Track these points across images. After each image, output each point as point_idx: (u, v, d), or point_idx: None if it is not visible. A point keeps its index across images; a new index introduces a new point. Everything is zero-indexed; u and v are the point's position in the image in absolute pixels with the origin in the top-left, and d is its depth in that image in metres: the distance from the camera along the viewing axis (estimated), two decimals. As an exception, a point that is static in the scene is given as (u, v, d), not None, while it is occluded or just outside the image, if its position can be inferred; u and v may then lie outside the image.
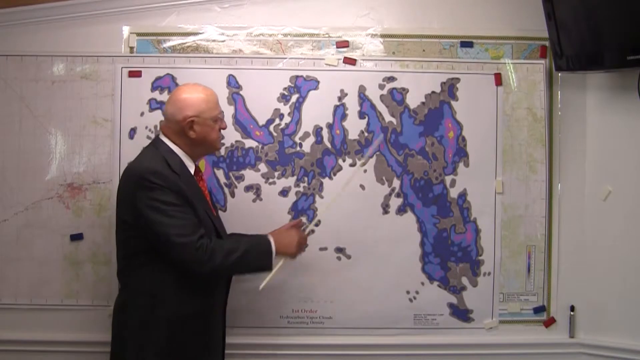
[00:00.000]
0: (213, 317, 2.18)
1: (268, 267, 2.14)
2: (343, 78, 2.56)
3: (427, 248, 2.57)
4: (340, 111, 2.56)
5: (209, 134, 2.14)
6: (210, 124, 2.13)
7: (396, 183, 2.56)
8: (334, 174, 2.56)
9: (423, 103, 2.57)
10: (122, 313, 2.09)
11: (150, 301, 2.04)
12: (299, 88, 2.55)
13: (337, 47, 2.57)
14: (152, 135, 2.47)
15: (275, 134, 2.55)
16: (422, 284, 2.58)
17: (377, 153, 2.56)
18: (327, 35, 2.58)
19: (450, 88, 2.57)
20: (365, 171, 2.56)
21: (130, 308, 2.07)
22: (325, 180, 2.55)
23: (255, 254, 2.11)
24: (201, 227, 2.04)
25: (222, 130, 2.21)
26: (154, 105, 2.52)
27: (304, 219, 2.46)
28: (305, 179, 2.55)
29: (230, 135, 2.54)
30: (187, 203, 2.04)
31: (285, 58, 2.56)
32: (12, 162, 2.52)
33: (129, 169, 2.11)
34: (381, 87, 2.56)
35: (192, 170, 2.15)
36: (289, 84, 2.55)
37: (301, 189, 2.55)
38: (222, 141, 2.52)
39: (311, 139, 2.55)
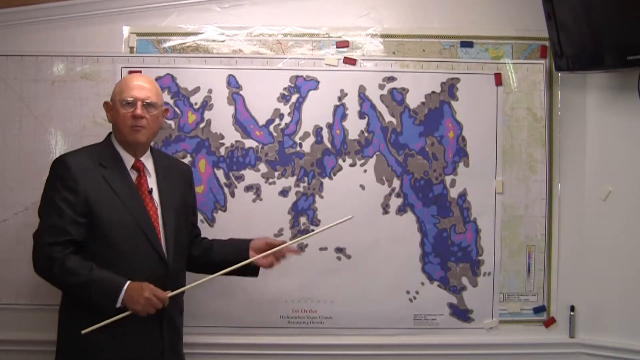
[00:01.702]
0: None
1: (105, 310, 1.95)
2: (343, 78, 2.56)
3: (427, 248, 2.57)
4: (340, 111, 2.56)
5: (117, 119, 2.09)
6: (117, 107, 2.08)
7: (396, 183, 2.56)
8: (334, 174, 2.56)
9: (423, 103, 2.57)
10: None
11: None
12: (299, 88, 2.55)
13: (337, 47, 2.57)
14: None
15: (275, 134, 2.55)
16: (422, 284, 2.58)
17: (377, 153, 2.56)
18: (327, 35, 2.58)
19: (450, 88, 2.57)
20: (365, 171, 2.56)
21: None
22: (325, 180, 2.55)
23: (97, 290, 1.94)
24: (66, 235, 1.96)
25: (135, 119, 2.06)
26: (154, 105, 2.52)
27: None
28: (305, 179, 2.55)
29: (230, 135, 2.54)
30: (80, 201, 1.99)
31: (285, 58, 2.56)
32: (12, 162, 2.52)
33: None
34: (381, 87, 2.56)
35: (128, 165, 2.10)
36: (289, 84, 2.55)
37: (301, 189, 2.55)
38: (222, 141, 2.53)
39: (311, 139, 2.55)
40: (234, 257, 2.17)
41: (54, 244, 1.96)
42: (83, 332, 1.95)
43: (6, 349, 2.50)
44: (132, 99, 2.07)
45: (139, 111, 2.06)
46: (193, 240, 2.30)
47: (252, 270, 2.24)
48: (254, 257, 2.17)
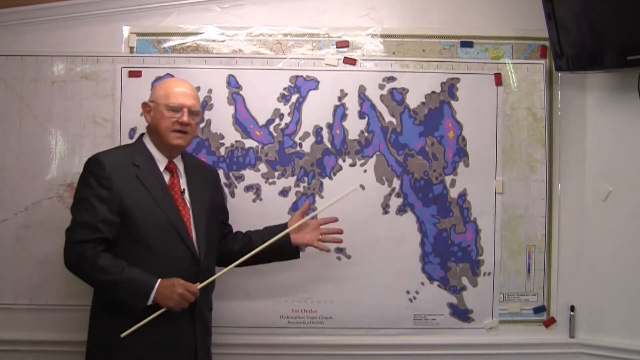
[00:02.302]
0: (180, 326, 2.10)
1: (135, 309, 1.98)
2: (343, 78, 2.56)
3: (427, 248, 2.57)
4: (340, 111, 2.56)
5: (160, 122, 2.11)
6: (163, 110, 2.11)
7: (396, 183, 2.56)
8: (334, 174, 2.56)
9: (423, 103, 2.57)
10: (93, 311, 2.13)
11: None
12: (299, 88, 2.55)
13: (337, 47, 2.57)
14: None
15: (275, 134, 2.55)
16: (422, 284, 2.58)
17: (377, 153, 2.56)
18: (327, 35, 2.58)
19: (450, 88, 2.57)
20: (365, 171, 2.56)
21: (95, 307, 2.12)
22: (325, 180, 2.55)
23: (128, 289, 1.97)
24: (98, 232, 1.98)
25: (187, 126, 2.12)
26: (154, 105, 2.52)
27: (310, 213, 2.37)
28: (305, 179, 2.55)
29: (230, 135, 2.54)
30: (111, 197, 2.01)
31: (285, 58, 2.56)
32: (12, 162, 2.52)
33: None
34: (381, 87, 2.56)
35: (161, 166, 2.13)
36: (289, 84, 2.55)
37: (301, 189, 2.55)
38: (222, 141, 2.53)
39: (311, 139, 2.55)
40: (275, 242, 2.21)
41: (86, 242, 1.98)
42: (122, 335, 1.96)
43: (6, 349, 2.50)
44: (179, 105, 2.12)
45: (186, 118, 2.12)
46: (227, 235, 2.34)
47: (292, 252, 2.31)
48: (288, 229, 2.25)
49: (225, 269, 2.16)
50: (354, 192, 2.30)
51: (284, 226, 2.29)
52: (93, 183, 2.02)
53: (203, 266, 2.12)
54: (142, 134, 2.21)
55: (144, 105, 2.17)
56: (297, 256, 2.33)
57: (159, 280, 2.00)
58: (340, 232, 2.35)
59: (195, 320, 2.11)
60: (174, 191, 2.15)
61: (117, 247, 2.03)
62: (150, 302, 1.98)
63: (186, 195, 2.17)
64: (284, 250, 2.28)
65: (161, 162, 2.14)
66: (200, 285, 2.06)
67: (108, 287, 2.00)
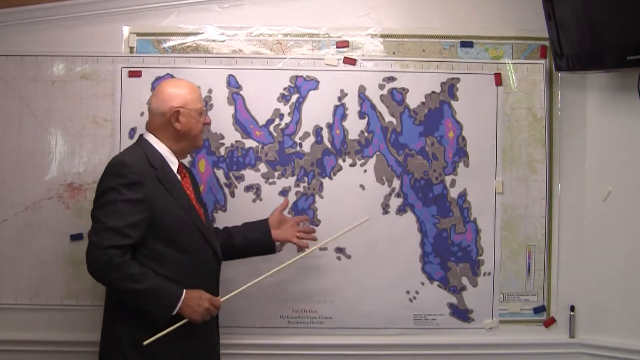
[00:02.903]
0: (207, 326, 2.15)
1: (160, 319, 1.98)
2: (343, 78, 2.56)
3: (427, 248, 2.57)
4: (340, 111, 2.56)
5: (194, 127, 2.14)
6: (195, 116, 2.14)
7: (396, 183, 2.56)
8: (334, 174, 2.56)
9: (423, 103, 2.57)
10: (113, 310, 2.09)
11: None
12: (299, 88, 2.55)
13: (337, 47, 2.57)
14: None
15: (275, 134, 2.55)
16: (422, 284, 2.58)
17: (377, 153, 2.56)
18: (327, 35, 2.58)
19: (450, 88, 2.57)
20: (365, 171, 2.56)
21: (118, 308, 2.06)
22: (325, 180, 2.55)
23: (155, 299, 1.98)
24: (127, 238, 1.95)
25: (207, 126, 2.22)
26: (154, 105, 2.52)
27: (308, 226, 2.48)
28: (305, 179, 2.55)
29: (230, 135, 2.54)
30: (143, 199, 1.99)
31: (285, 58, 2.56)
32: (12, 162, 2.52)
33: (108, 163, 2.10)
34: (381, 87, 2.56)
35: (174, 167, 2.14)
36: (289, 84, 2.55)
37: (301, 189, 2.55)
38: (222, 141, 2.53)
39: (311, 139, 2.55)
40: (255, 239, 2.33)
41: (114, 247, 1.94)
42: (145, 343, 1.96)
43: (6, 349, 2.50)
44: (204, 108, 2.20)
45: (209, 119, 2.25)
46: None
47: (270, 248, 2.38)
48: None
49: (251, 283, 2.21)
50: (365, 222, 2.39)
51: (264, 222, 2.36)
52: (120, 186, 1.98)
53: (220, 263, 2.20)
54: (141, 135, 2.19)
55: (176, 112, 2.10)
56: (274, 251, 2.39)
57: (185, 291, 2.01)
58: (313, 230, 2.45)
59: (215, 335, 2.21)
60: (190, 191, 2.18)
61: (148, 249, 2.02)
62: (174, 313, 1.99)
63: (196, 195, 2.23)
64: (264, 245, 2.35)
65: (173, 163, 2.15)
66: (223, 299, 2.12)
67: (134, 296, 1.97)
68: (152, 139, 2.14)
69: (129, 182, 1.99)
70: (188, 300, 2.01)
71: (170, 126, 2.12)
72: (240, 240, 2.33)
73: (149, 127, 2.17)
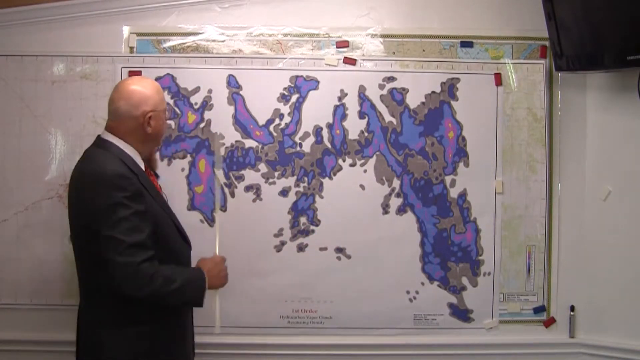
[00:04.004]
0: (187, 321, 2.18)
1: (199, 303, 2.02)
2: (343, 78, 2.56)
3: (427, 248, 2.57)
4: (340, 111, 2.56)
5: (162, 128, 2.10)
6: (163, 117, 2.10)
7: (396, 183, 2.56)
8: (334, 174, 2.56)
9: (423, 103, 2.57)
10: (94, 320, 2.04)
11: (124, 310, 1.97)
12: (299, 88, 2.55)
13: (337, 47, 2.57)
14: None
15: (275, 134, 2.55)
16: (422, 284, 2.58)
17: (377, 153, 2.56)
18: (327, 35, 2.58)
19: (450, 88, 2.57)
20: (365, 171, 2.56)
21: (102, 317, 2.01)
22: (325, 180, 2.55)
23: (191, 288, 2.00)
24: (149, 250, 1.91)
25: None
26: (154, 105, 2.51)
27: None
28: (305, 179, 2.55)
29: (230, 135, 2.54)
30: (148, 207, 1.96)
31: (285, 58, 2.56)
32: (12, 162, 2.52)
33: (89, 173, 1.96)
34: (381, 87, 2.56)
35: (142, 168, 2.08)
36: (289, 84, 2.55)
37: (301, 189, 2.55)
38: (222, 141, 2.53)
39: (311, 139, 2.55)
40: None
41: (146, 260, 1.90)
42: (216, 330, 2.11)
43: (6, 349, 2.50)
44: (166, 106, 2.16)
45: (168, 115, 2.23)
46: None
47: None
48: None
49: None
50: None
51: None
52: (125, 200, 1.91)
53: None
54: (101, 138, 2.05)
55: (147, 118, 2.02)
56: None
57: (199, 264, 2.09)
58: None
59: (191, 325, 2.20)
60: (159, 189, 2.15)
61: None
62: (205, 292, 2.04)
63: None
64: None
65: (141, 164, 2.08)
66: (218, 253, 2.18)
67: (175, 295, 1.95)
68: (118, 142, 2.02)
69: (131, 194, 1.92)
70: (209, 272, 2.06)
71: (141, 130, 2.03)
72: None
73: (115, 130, 2.02)
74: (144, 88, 2.04)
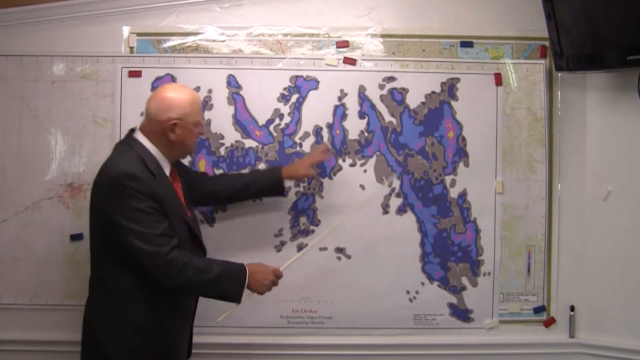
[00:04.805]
0: (184, 322, 2.18)
1: (236, 298, 2.04)
2: (343, 78, 2.56)
3: (427, 248, 2.57)
4: (340, 111, 2.56)
5: (188, 139, 2.11)
6: (191, 128, 2.10)
7: (396, 183, 2.56)
8: (334, 174, 2.56)
9: (423, 103, 2.57)
10: (95, 316, 2.08)
11: (122, 305, 2.01)
12: (299, 88, 2.55)
13: (337, 47, 2.57)
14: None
15: (275, 134, 2.55)
16: (422, 284, 2.58)
17: (377, 153, 2.56)
18: (327, 35, 2.58)
19: (450, 88, 2.57)
20: (365, 171, 2.56)
21: (103, 311, 2.05)
22: (325, 180, 2.55)
23: (227, 280, 2.03)
24: (174, 238, 1.97)
25: (206, 127, 2.22)
26: (154, 105, 2.51)
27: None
28: (305, 179, 2.55)
29: (230, 135, 2.54)
30: (161, 208, 1.98)
31: (285, 58, 2.56)
32: (12, 162, 2.52)
33: (105, 170, 2.03)
34: (381, 87, 2.56)
35: (167, 171, 2.11)
36: (289, 84, 2.55)
37: (301, 189, 2.55)
38: (222, 141, 2.53)
39: (311, 139, 2.55)
40: (264, 175, 2.41)
41: (174, 249, 1.95)
42: (218, 319, 2.12)
43: (6, 349, 2.50)
44: (203, 121, 2.21)
45: (203, 130, 2.25)
46: (206, 178, 2.42)
47: (280, 189, 2.40)
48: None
49: (300, 254, 2.33)
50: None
51: (277, 170, 2.41)
52: (141, 197, 1.94)
53: None
54: (133, 131, 2.11)
55: (171, 124, 2.05)
56: (282, 193, 2.43)
57: (247, 266, 2.07)
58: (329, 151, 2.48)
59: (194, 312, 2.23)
60: (181, 195, 2.16)
61: None
62: (244, 288, 2.04)
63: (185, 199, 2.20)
64: (271, 182, 2.38)
65: (166, 167, 2.11)
66: (282, 268, 2.18)
67: (209, 285, 2.01)
68: (145, 141, 2.08)
69: (145, 193, 1.95)
70: (253, 275, 2.06)
71: (165, 135, 2.07)
72: (249, 176, 2.40)
73: (144, 129, 2.10)
74: (177, 96, 2.09)
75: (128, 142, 2.10)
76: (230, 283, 2.03)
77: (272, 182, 2.38)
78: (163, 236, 1.95)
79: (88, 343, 2.08)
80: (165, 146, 2.09)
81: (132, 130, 2.12)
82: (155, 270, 1.96)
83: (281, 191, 2.41)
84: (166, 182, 2.08)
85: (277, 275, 2.14)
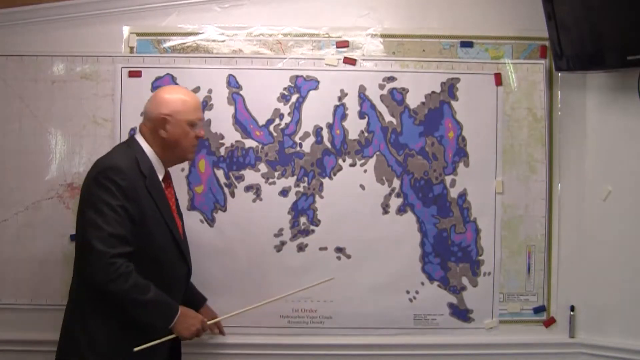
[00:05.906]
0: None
1: (158, 331, 2.01)
2: (343, 78, 2.56)
3: (427, 248, 2.57)
4: (340, 111, 2.56)
5: (182, 139, 2.08)
6: (184, 127, 2.08)
7: (396, 183, 2.56)
8: (334, 174, 2.56)
9: (423, 103, 2.57)
10: (74, 312, 2.06)
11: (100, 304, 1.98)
12: (299, 88, 2.55)
13: (337, 47, 2.57)
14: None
15: (275, 134, 2.55)
16: (422, 284, 2.58)
17: (377, 153, 2.56)
18: (327, 35, 2.58)
19: (450, 88, 2.57)
20: (365, 171, 2.56)
21: (80, 308, 2.03)
22: (325, 180, 2.55)
23: (157, 310, 1.99)
24: (129, 246, 1.92)
25: (199, 139, 2.16)
26: (154, 105, 2.52)
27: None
28: (305, 179, 2.55)
29: (230, 135, 2.54)
30: (137, 212, 1.96)
31: (285, 58, 2.56)
32: (12, 162, 2.52)
33: (96, 163, 2.04)
34: (381, 87, 2.56)
35: (160, 176, 2.09)
36: (289, 84, 2.55)
37: (301, 189, 2.55)
38: (222, 141, 2.53)
39: (311, 139, 2.55)
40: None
41: (121, 255, 1.90)
42: (135, 349, 1.96)
43: (6, 349, 2.50)
44: (199, 121, 2.14)
45: (203, 132, 2.18)
46: None
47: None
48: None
49: (243, 310, 2.31)
50: (328, 280, 2.42)
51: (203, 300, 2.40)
52: (117, 192, 1.92)
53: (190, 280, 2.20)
54: (133, 135, 2.14)
55: (162, 120, 2.06)
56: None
57: (180, 307, 2.05)
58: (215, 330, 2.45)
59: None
60: (172, 202, 2.15)
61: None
62: (171, 325, 2.01)
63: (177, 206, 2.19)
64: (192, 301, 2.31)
65: (160, 171, 2.10)
66: (210, 322, 2.18)
67: (138, 306, 1.94)
68: (142, 142, 2.09)
69: (123, 188, 1.94)
70: (183, 317, 2.03)
71: (156, 132, 2.07)
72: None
73: (142, 130, 2.12)
74: (170, 94, 2.11)
75: (127, 141, 2.12)
76: (160, 314, 1.99)
77: (192, 301, 2.31)
78: (117, 239, 1.90)
79: (65, 339, 2.07)
80: (160, 146, 2.09)
81: (134, 132, 2.13)
82: (93, 267, 1.89)
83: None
84: (158, 185, 2.07)
85: (204, 327, 2.13)
